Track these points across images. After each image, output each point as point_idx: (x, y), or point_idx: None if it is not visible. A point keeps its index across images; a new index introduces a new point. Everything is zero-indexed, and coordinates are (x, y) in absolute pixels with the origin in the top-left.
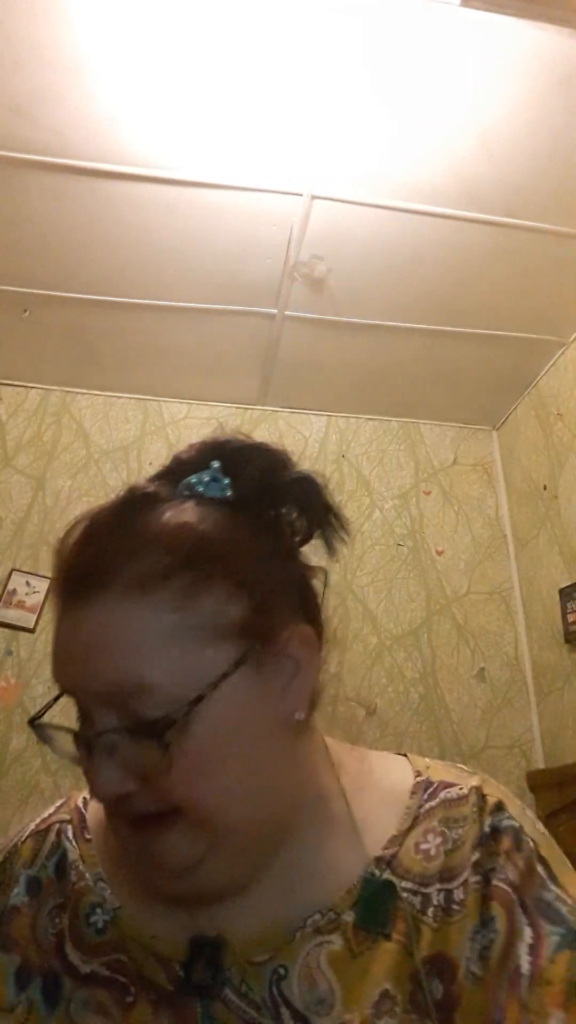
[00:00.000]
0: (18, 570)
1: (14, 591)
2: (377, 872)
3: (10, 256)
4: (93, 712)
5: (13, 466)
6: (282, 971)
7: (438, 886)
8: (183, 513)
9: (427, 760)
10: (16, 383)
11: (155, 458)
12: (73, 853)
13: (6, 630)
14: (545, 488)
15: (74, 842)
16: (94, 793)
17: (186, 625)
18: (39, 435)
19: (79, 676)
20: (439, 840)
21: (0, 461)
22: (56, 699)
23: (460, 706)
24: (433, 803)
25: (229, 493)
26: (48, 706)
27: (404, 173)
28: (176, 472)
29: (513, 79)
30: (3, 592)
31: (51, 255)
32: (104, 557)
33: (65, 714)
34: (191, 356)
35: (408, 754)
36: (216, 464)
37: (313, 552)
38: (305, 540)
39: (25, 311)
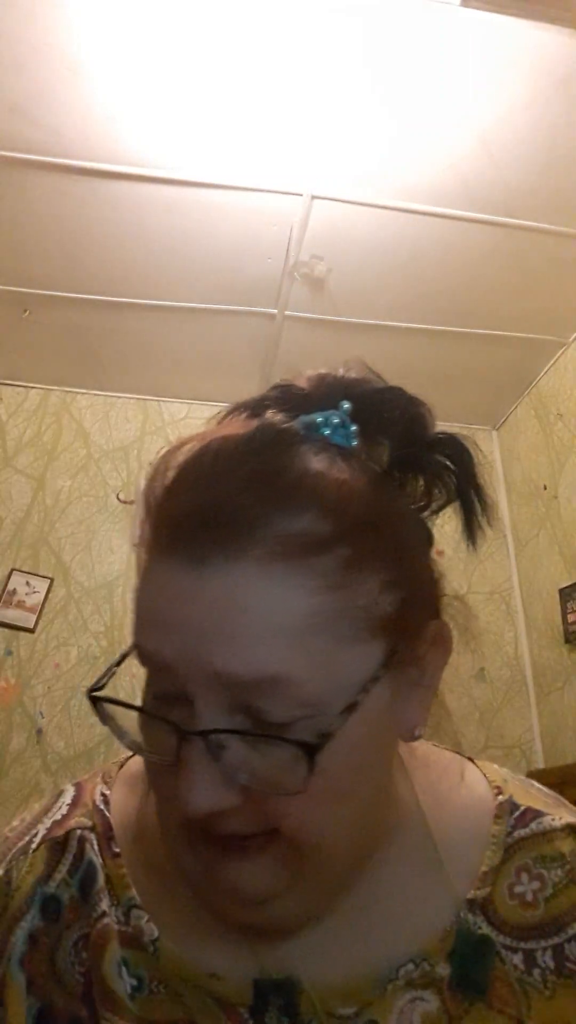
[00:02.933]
0: (18, 570)
1: (14, 591)
2: (471, 917)
3: (10, 256)
4: (199, 700)
5: (13, 466)
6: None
7: (543, 942)
8: (335, 467)
9: (502, 771)
10: (16, 383)
11: (155, 458)
12: (100, 873)
13: (6, 630)
14: (545, 488)
15: (100, 857)
16: (186, 803)
17: (336, 611)
18: (39, 435)
19: (192, 653)
20: (536, 884)
21: (0, 461)
22: (119, 663)
23: (460, 706)
24: (523, 832)
25: (355, 443)
26: (111, 673)
27: (404, 173)
28: (290, 402)
29: (513, 79)
30: (3, 592)
31: (51, 255)
32: (244, 506)
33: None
34: (191, 356)
35: (474, 759)
36: (346, 406)
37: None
38: (433, 515)
39: (25, 311)
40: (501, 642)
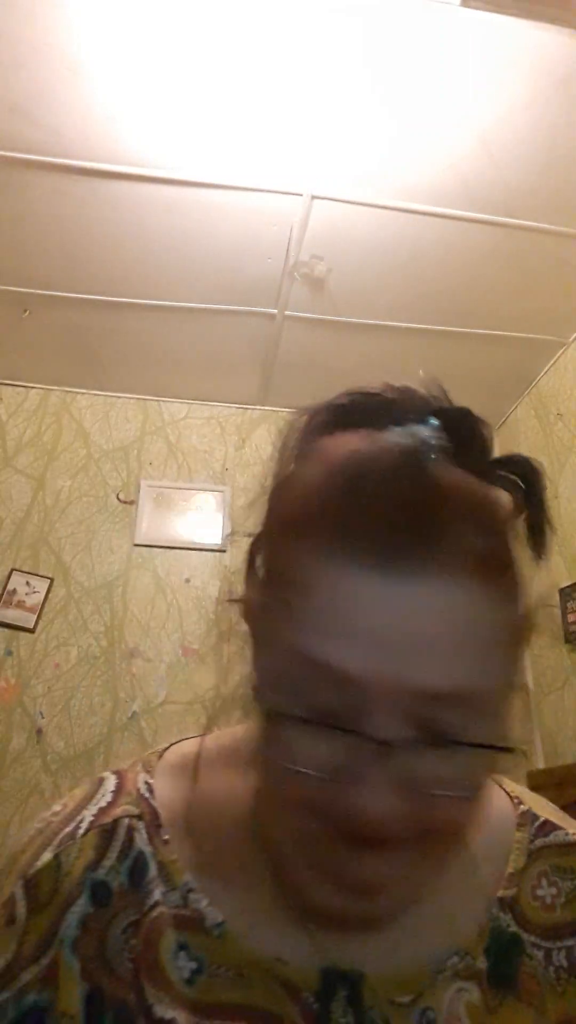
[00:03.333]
0: (18, 570)
1: (14, 591)
2: (502, 915)
3: (10, 256)
4: (382, 711)
5: (13, 466)
6: (431, 1015)
7: (559, 943)
8: (482, 485)
9: (514, 784)
10: (16, 383)
11: (155, 458)
12: (151, 859)
13: (6, 630)
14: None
15: (150, 845)
16: (369, 813)
17: (509, 625)
18: (39, 435)
19: (384, 664)
20: (554, 890)
21: (0, 461)
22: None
23: None
24: (544, 841)
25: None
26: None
27: (404, 173)
28: (378, 413)
29: (513, 79)
30: (3, 592)
31: (51, 255)
32: (439, 520)
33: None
34: (191, 356)
35: None
36: (435, 422)
37: None
38: None
39: (25, 311)
40: None
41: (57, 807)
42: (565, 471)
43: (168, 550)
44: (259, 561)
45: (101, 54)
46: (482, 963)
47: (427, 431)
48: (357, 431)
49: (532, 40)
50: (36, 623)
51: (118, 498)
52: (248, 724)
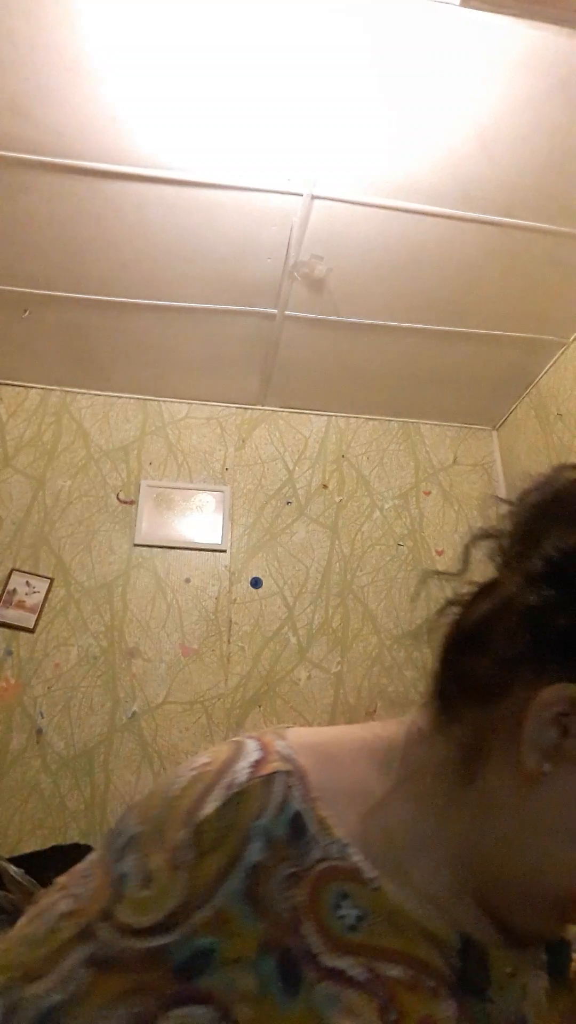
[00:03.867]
0: (18, 570)
1: (14, 591)
2: None
3: (10, 256)
4: None
5: (13, 466)
6: (524, 988)
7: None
8: None
9: None
10: (16, 383)
11: (155, 458)
12: (307, 814)
13: (6, 630)
14: None
15: (304, 801)
16: None
17: None
18: (39, 435)
19: None
20: None
21: (0, 461)
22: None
23: None
24: None
25: None
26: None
27: (404, 173)
28: None
29: (513, 79)
30: (3, 592)
31: (51, 255)
32: None
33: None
34: (191, 356)
35: None
36: None
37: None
38: None
39: (25, 311)
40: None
41: (205, 759)
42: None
43: (168, 550)
44: None
45: (102, 54)
46: (543, 955)
47: None
48: None
49: (532, 40)
50: (36, 623)
51: (118, 498)
52: (389, 734)
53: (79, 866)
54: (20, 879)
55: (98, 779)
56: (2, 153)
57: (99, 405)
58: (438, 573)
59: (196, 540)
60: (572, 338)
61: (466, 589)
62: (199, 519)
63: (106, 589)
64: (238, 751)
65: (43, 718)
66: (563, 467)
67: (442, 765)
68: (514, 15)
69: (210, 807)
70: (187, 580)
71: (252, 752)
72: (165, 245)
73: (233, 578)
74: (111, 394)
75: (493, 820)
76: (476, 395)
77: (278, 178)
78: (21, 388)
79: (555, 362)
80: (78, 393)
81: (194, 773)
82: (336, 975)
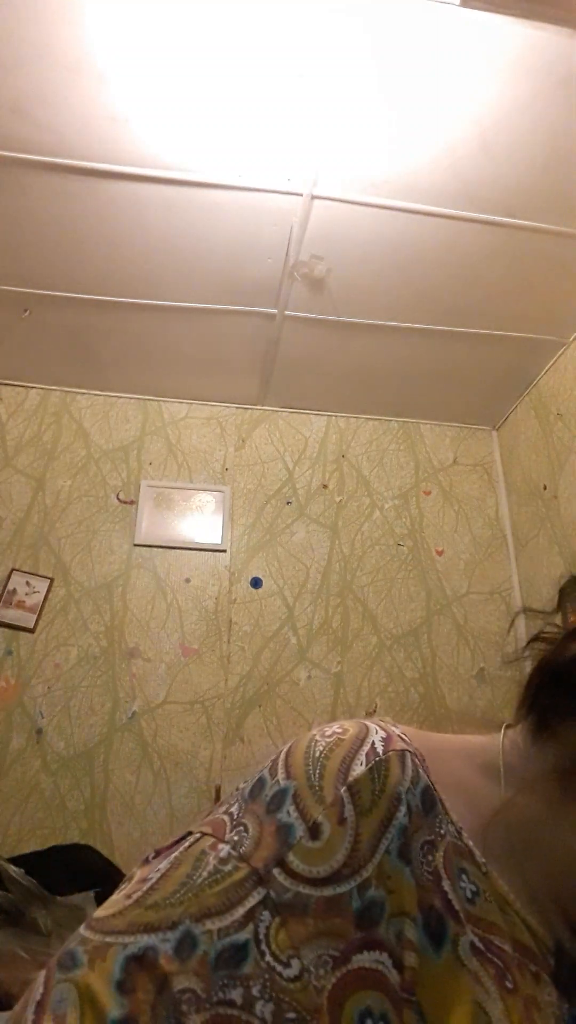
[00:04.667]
0: (18, 570)
1: (14, 591)
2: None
3: (10, 256)
4: None
5: (13, 466)
6: None
7: None
8: None
9: None
10: (16, 383)
11: (155, 458)
12: (434, 792)
13: (6, 630)
14: (545, 488)
15: (429, 780)
16: None
17: None
18: (39, 435)
19: None
20: None
21: (0, 461)
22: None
23: (460, 706)
24: None
25: None
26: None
27: (404, 173)
28: None
29: (513, 79)
30: (3, 592)
31: (51, 255)
32: None
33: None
34: (191, 356)
35: None
36: None
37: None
38: None
39: (25, 311)
40: (501, 642)
41: (336, 728)
42: (565, 471)
43: (168, 550)
44: None
45: (102, 54)
46: None
47: None
48: None
49: (532, 40)
50: (36, 623)
51: (118, 498)
52: (491, 743)
53: (214, 816)
54: (20, 879)
55: (98, 779)
56: (2, 153)
57: (99, 405)
58: (531, 611)
59: (196, 540)
60: (572, 338)
61: (552, 628)
62: (199, 519)
63: (106, 589)
64: (366, 728)
65: (43, 718)
66: None
67: (541, 779)
68: (514, 15)
69: (359, 770)
70: (187, 580)
71: (379, 731)
72: (165, 245)
73: (233, 578)
74: (111, 394)
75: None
76: (476, 395)
77: (278, 178)
78: (21, 388)
79: (555, 362)
80: (78, 393)
81: (332, 739)
82: (480, 924)
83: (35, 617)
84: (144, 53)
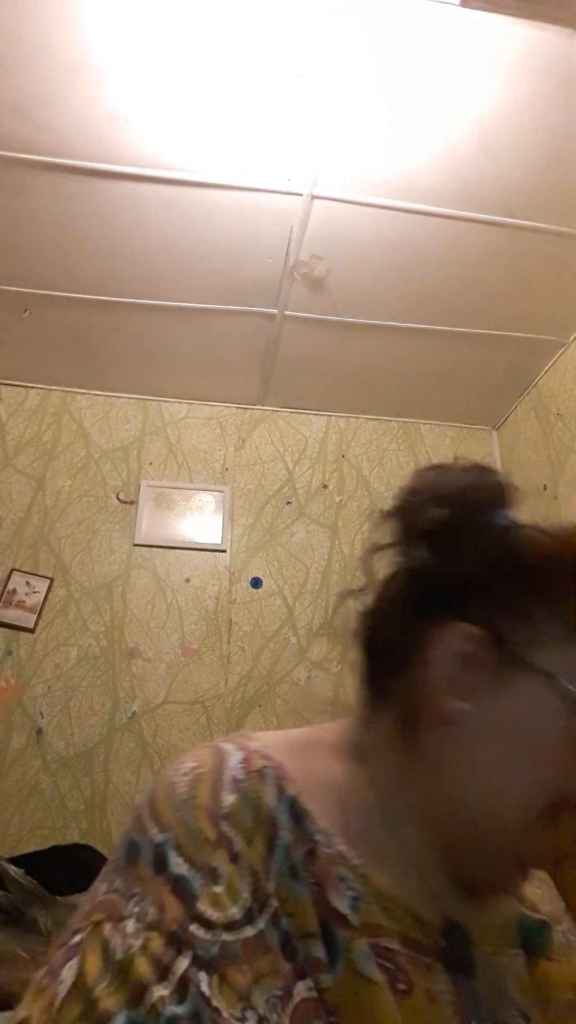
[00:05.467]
0: (18, 570)
1: (14, 591)
2: (522, 907)
3: (10, 256)
4: None
5: (13, 466)
6: (503, 964)
7: (558, 928)
8: None
9: None
10: (16, 383)
11: (155, 458)
12: (298, 802)
13: (6, 630)
14: (545, 488)
15: (291, 791)
16: None
17: None
18: (39, 435)
19: None
20: (539, 891)
21: (0, 461)
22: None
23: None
24: None
25: None
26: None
27: (404, 173)
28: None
29: (513, 79)
30: (3, 592)
31: (51, 255)
32: None
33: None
34: (191, 356)
35: None
36: None
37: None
38: None
39: (25, 311)
40: None
41: (191, 763)
42: (565, 471)
43: (168, 550)
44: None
45: (102, 54)
46: (517, 935)
47: None
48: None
49: (532, 40)
50: (36, 623)
51: (118, 498)
52: (338, 726)
53: (96, 901)
54: (20, 879)
55: (98, 779)
56: (2, 153)
57: (99, 405)
58: (349, 593)
59: (196, 540)
60: (572, 338)
61: (359, 585)
62: (199, 519)
63: (106, 589)
64: (222, 752)
65: (43, 718)
66: (425, 468)
67: (387, 743)
68: (514, 15)
69: (230, 800)
70: (187, 580)
71: (235, 752)
72: (165, 245)
73: (233, 578)
74: (111, 394)
75: (441, 778)
76: (476, 395)
77: (278, 178)
78: (21, 388)
79: (555, 362)
80: (78, 393)
81: (191, 776)
82: (357, 931)
83: (35, 617)
84: (144, 53)
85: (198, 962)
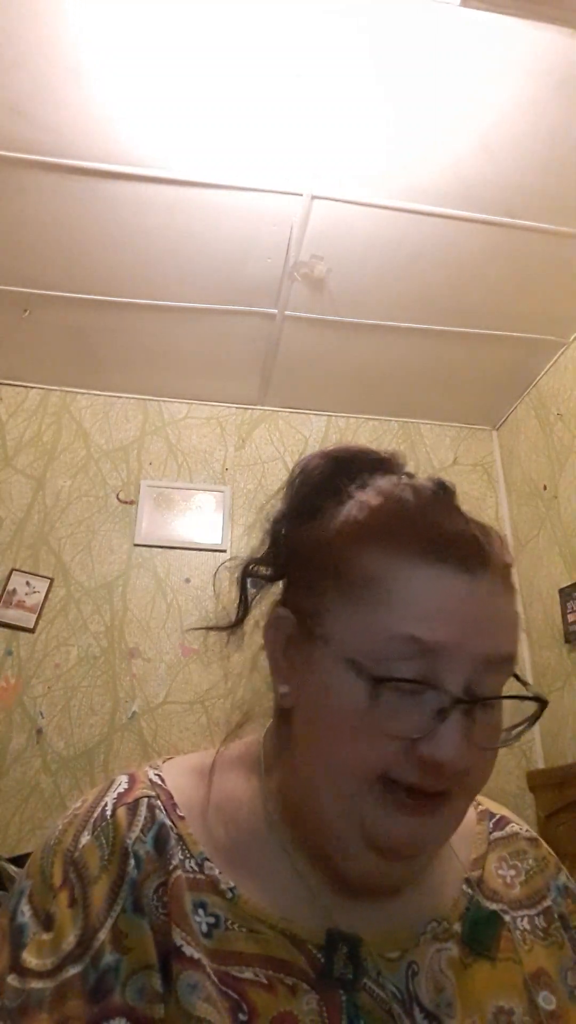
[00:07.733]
0: (18, 570)
1: (14, 591)
2: (470, 891)
3: (10, 256)
4: (462, 675)
5: (13, 466)
6: (415, 967)
7: (521, 912)
8: None
9: None
10: (16, 383)
11: (155, 458)
12: (171, 831)
13: (6, 630)
14: (545, 488)
15: (168, 819)
16: (449, 760)
17: (516, 615)
18: (39, 435)
19: (468, 639)
20: (512, 872)
21: (0, 461)
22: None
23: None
24: (500, 834)
25: None
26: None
27: (404, 173)
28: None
29: (513, 79)
30: (3, 592)
31: (51, 255)
32: (486, 538)
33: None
34: (191, 356)
35: None
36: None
37: None
38: None
39: (25, 311)
40: None
41: (77, 803)
42: (565, 471)
43: (168, 550)
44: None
45: (101, 54)
46: (457, 927)
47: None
48: (385, 477)
49: (532, 40)
50: (36, 623)
51: (118, 498)
52: (259, 737)
53: None
54: None
55: (98, 779)
56: (2, 153)
57: (99, 405)
58: (257, 577)
59: (196, 540)
60: (572, 338)
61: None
62: (199, 519)
63: (106, 589)
64: (106, 787)
65: (43, 718)
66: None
67: (278, 749)
68: (514, 15)
69: (84, 841)
70: (187, 580)
71: (120, 785)
72: (165, 245)
73: (233, 578)
74: (111, 394)
75: (291, 769)
76: (476, 395)
77: (278, 178)
78: (21, 388)
79: (555, 362)
80: (78, 393)
81: (67, 819)
82: (196, 964)
83: (35, 617)
84: (144, 53)
85: (2, 1014)
